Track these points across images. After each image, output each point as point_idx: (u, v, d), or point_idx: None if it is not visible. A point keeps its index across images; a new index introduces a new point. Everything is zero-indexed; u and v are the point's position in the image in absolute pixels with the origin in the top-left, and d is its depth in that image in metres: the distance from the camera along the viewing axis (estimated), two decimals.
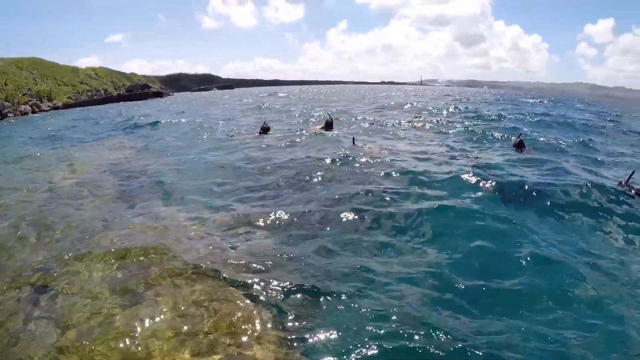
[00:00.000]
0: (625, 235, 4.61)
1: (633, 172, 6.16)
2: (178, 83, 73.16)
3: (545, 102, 29.32)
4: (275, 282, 3.35)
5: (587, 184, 5.91)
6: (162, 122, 15.43)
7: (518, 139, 9.26)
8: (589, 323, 2.89)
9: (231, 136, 11.41)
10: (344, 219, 4.80)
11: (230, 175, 7.09)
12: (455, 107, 19.33)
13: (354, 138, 8.79)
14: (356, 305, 3.06)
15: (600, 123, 16.08)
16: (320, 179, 6.50)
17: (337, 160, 7.46)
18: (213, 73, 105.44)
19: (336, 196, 5.55)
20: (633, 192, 5.81)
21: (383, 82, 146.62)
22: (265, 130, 11.24)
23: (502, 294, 3.28)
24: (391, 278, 3.46)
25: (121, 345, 2.64)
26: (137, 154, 9.48)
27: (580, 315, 3.00)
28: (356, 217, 4.82)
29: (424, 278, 3.46)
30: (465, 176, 6.30)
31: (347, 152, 8.01)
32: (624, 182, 6.13)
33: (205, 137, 11.62)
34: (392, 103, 23.73)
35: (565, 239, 4.37)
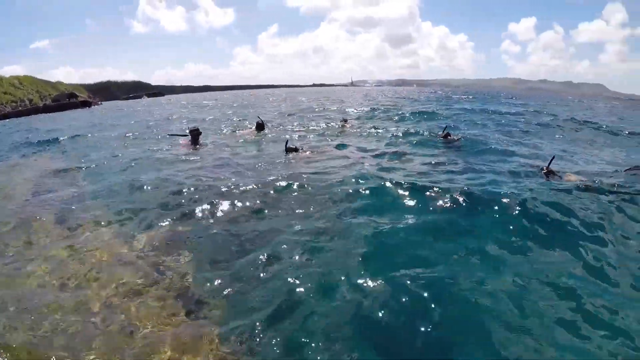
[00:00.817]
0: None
1: (553, 158, 6.38)
2: (107, 91, 70.99)
3: (470, 97, 31.11)
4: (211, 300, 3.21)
5: (508, 172, 6.14)
6: (82, 135, 13.72)
7: (444, 131, 9.59)
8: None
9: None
10: (277, 230, 4.44)
11: (152, 192, 6.21)
12: (383, 107, 19.67)
13: (286, 142, 8.39)
14: (286, 319, 2.95)
15: (522, 113, 17.34)
16: (254, 188, 5.94)
17: (272, 170, 7.02)
18: (143, 80, 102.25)
19: (271, 207, 5.20)
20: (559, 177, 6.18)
21: (314, 85, 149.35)
22: (259, 126, 11.55)
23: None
24: (317, 296, 3.17)
25: None
26: (54, 174, 7.95)
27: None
28: (289, 227, 4.47)
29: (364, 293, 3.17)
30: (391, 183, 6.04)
31: (280, 159, 7.77)
32: (545, 167, 6.30)
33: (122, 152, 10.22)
34: (316, 107, 23.66)
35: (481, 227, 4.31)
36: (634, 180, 6.61)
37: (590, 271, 3.43)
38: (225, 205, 5.19)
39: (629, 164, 7.61)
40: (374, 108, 19.93)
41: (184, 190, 5.84)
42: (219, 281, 3.49)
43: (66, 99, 39.77)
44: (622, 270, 3.47)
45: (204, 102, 36.22)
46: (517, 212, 4.58)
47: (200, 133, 10.04)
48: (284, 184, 5.89)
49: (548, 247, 3.86)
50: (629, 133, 12.46)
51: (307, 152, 8.25)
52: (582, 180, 6.17)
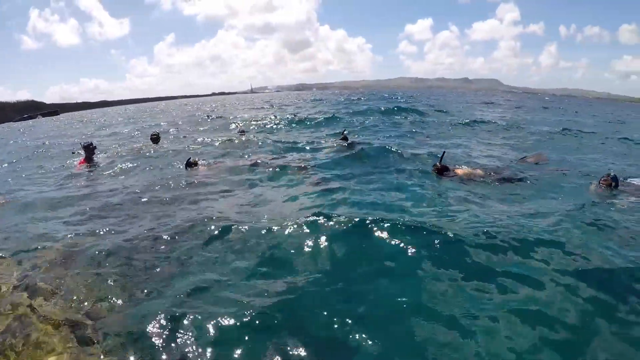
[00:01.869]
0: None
1: (444, 153, 6.67)
2: (1, 113, 63.26)
3: (367, 99, 32.32)
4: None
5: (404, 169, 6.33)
6: None
7: (343, 134, 9.74)
8: None
9: None
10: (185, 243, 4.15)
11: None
12: (282, 114, 19.63)
13: (188, 159, 8.09)
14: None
15: (420, 112, 18.48)
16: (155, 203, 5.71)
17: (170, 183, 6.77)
18: (36, 99, 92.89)
19: (177, 220, 4.82)
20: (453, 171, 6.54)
21: (214, 94, 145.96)
22: (155, 139, 11.19)
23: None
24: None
25: None
26: None
27: None
28: (199, 241, 4.16)
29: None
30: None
31: (179, 172, 7.63)
32: (438, 163, 6.58)
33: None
34: (214, 117, 22.94)
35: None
36: (524, 167, 7.40)
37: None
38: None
39: (524, 154, 8.71)
40: (273, 115, 19.83)
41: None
42: None
43: None
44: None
45: (102, 117, 33.19)
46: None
47: (95, 147, 9.72)
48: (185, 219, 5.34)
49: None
50: (522, 126, 14.05)
51: (205, 167, 8.08)
52: (473, 174, 6.62)
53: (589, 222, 4.27)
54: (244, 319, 2.73)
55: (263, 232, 4.12)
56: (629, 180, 6.20)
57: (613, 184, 5.70)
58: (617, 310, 2.77)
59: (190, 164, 7.90)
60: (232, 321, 2.72)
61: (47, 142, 16.32)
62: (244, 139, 12.17)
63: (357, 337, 2.58)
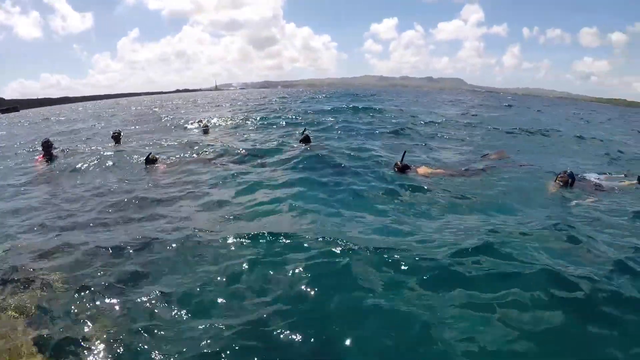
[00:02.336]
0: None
1: (405, 153, 6.62)
2: None
3: (332, 97, 32.15)
4: None
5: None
6: None
7: (303, 135, 9.52)
8: None
9: None
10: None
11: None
12: (245, 112, 19.30)
13: (149, 155, 8.02)
14: None
15: (381, 111, 18.45)
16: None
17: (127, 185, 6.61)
18: None
19: (131, 228, 4.65)
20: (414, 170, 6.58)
21: (178, 90, 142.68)
22: (116, 138, 10.75)
23: None
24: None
25: None
26: None
27: None
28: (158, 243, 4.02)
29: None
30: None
31: (139, 175, 7.36)
32: (399, 162, 6.53)
33: None
34: (178, 114, 22.32)
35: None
36: (486, 165, 7.57)
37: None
38: None
39: (486, 152, 8.88)
40: (237, 114, 19.49)
41: None
42: None
43: None
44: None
45: (63, 114, 31.53)
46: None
47: (52, 144, 9.44)
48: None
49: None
50: (485, 125, 14.27)
51: (165, 166, 7.97)
52: (434, 172, 6.62)
53: (546, 224, 4.26)
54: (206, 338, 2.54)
55: (215, 244, 3.88)
56: (584, 176, 6.34)
57: (570, 180, 5.80)
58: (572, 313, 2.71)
59: (149, 160, 7.91)
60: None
61: (3, 140, 15.55)
62: (205, 137, 11.97)
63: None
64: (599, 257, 3.47)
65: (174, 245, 3.91)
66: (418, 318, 2.65)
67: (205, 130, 13.32)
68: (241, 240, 3.90)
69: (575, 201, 5.28)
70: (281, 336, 2.54)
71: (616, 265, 3.30)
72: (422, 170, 6.66)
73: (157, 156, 8.20)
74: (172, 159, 8.54)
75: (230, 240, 3.91)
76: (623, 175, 6.79)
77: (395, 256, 3.39)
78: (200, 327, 2.66)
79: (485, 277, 3.11)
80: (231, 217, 4.79)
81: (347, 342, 2.50)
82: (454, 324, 2.60)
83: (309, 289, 3.01)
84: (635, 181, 6.38)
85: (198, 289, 3.11)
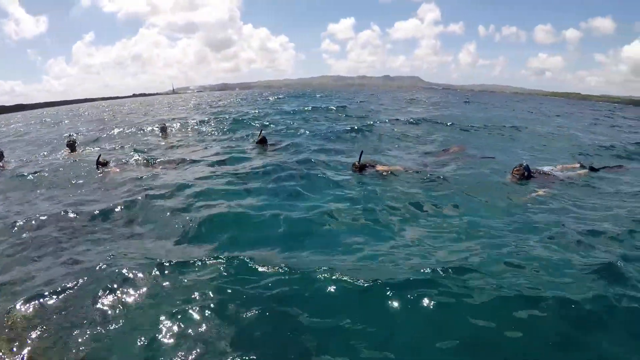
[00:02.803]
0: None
1: (362, 152, 6.52)
2: None
3: (288, 98, 31.80)
4: None
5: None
6: None
7: (260, 136, 9.41)
8: None
9: None
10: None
11: None
12: (202, 114, 18.93)
13: (98, 157, 7.89)
14: None
15: (340, 110, 18.39)
16: None
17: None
18: None
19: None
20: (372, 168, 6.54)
21: (135, 95, 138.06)
22: (71, 145, 10.33)
23: None
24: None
25: None
26: None
27: None
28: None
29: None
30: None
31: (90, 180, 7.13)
32: (357, 162, 6.42)
33: None
34: (134, 118, 21.63)
35: None
36: (445, 160, 7.62)
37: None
38: None
39: (445, 147, 9.03)
40: (193, 116, 19.09)
41: None
42: None
43: None
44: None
45: (17, 122, 29.45)
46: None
47: (2, 153, 9.39)
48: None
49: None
50: (443, 121, 14.41)
51: (118, 170, 7.77)
52: (393, 169, 6.56)
53: (506, 219, 4.30)
54: None
55: (168, 264, 3.52)
56: (539, 168, 6.47)
57: (525, 173, 5.90)
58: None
59: (100, 163, 7.78)
60: None
61: None
62: (162, 138, 12.01)
63: None
64: (556, 243, 3.57)
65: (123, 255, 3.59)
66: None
67: (163, 129, 13.30)
68: (197, 253, 3.64)
69: (531, 194, 5.36)
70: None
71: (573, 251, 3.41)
72: (380, 167, 6.59)
73: (106, 160, 7.98)
74: (132, 161, 8.40)
75: (185, 253, 3.67)
76: (578, 165, 6.99)
77: (350, 271, 3.17)
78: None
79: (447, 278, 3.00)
80: (182, 226, 4.47)
81: None
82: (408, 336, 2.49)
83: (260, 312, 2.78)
84: (587, 170, 6.66)
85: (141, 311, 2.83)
